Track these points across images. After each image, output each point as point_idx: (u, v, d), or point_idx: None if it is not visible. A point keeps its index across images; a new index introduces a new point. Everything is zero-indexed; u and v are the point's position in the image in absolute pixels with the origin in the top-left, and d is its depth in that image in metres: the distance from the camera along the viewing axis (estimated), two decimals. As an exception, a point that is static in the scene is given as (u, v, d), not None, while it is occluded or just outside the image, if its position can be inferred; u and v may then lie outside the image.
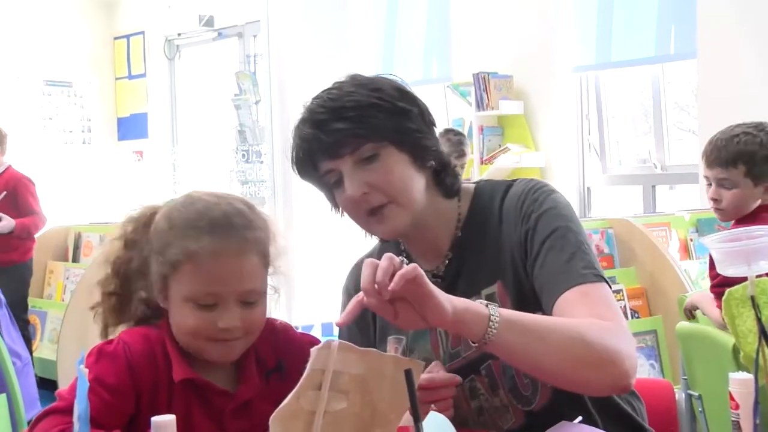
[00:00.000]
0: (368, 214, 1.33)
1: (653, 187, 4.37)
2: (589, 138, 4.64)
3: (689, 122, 4.74)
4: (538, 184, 1.38)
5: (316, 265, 5.36)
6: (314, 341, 1.29)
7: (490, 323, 1.13)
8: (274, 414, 1.02)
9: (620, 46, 4.39)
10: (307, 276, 5.42)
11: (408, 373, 0.99)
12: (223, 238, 1.19)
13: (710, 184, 2.51)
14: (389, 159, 1.32)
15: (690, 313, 2.59)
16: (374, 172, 1.31)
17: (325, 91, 1.37)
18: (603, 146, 4.62)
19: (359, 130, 1.30)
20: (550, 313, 1.26)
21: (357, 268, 1.48)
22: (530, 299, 1.32)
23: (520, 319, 1.17)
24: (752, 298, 1.09)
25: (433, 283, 1.18)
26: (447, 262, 1.40)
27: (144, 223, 1.26)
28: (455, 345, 1.37)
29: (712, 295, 2.34)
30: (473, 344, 1.16)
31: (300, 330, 1.37)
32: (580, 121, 4.62)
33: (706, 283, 3.10)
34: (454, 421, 1.26)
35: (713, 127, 3.80)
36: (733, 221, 2.53)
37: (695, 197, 4.01)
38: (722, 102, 3.77)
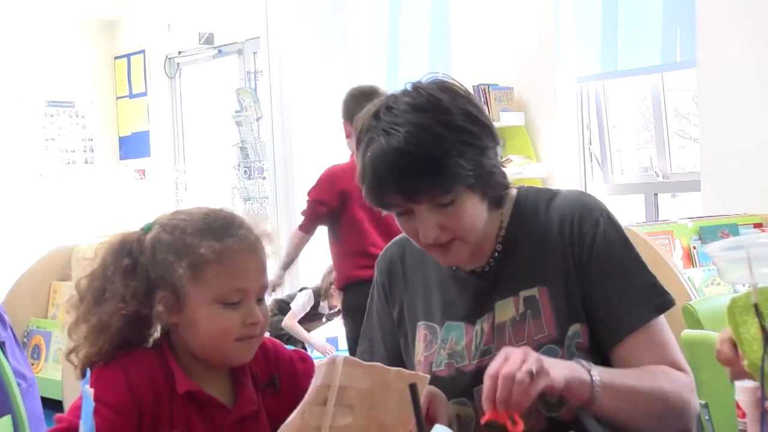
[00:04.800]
0: (431, 245, 1.35)
1: (655, 195, 4.36)
2: (591, 147, 4.64)
3: (690, 130, 4.74)
4: (592, 201, 1.42)
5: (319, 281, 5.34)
6: (304, 356, 1.31)
7: (594, 389, 1.24)
8: (279, 430, 1.02)
9: (625, 56, 4.39)
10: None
11: (412, 387, 0.99)
12: (242, 236, 1.24)
13: None
14: (464, 203, 1.32)
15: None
16: (447, 215, 1.32)
17: (398, 118, 1.30)
18: (604, 155, 4.62)
19: (447, 183, 1.29)
20: (611, 341, 1.36)
21: (386, 259, 1.54)
22: (574, 311, 1.36)
23: (613, 383, 1.27)
24: (756, 306, 1.09)
25: (477, 283, 1.38)
26: (492, 263, 1.42)
27: (131, 248, 1.25)
28: (488, 341, 1.39)
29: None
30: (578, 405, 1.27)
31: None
32: (581, 130, 4.62)
33: (711, 290, 3.10)
34: (476, 417, 1.35)
35: (714, 134, 3.81)
36: None
37: (698, 205, 4.00)
38: (723, 109, 3.77)
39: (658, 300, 1.39)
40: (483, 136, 1.33)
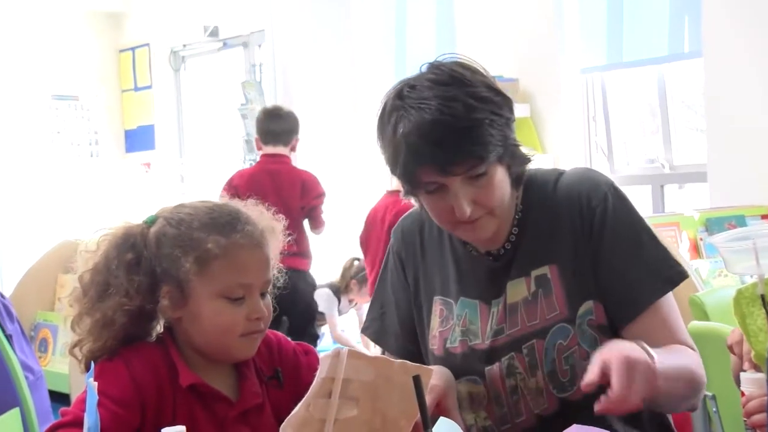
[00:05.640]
0: (459, 222, 1.35)
1: (662, 186, 4.35)
2: (596, 139, 4.62)
3: (697, 121, 4.72)
4: (598, 176, 1.43)
5: (325, 274, 5.35)
6: (308, 349, 1.31)
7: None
8: (284, 423, 1.02)
9: (631, 47, 4.36)
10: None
11: (417, 380, 0.99)
12: (248, 231, 1.24)
13: None
14: (495, 174, 1.33)
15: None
16: (481, 188, 1.32)
17: (425, 93, 1.31)
18: (610, 147, 4.60)
19: (482, 152, 1.29)
20: (624, 318, 1.36)
21: (404, 230, 1.53)
22: (585, 289, 1.36)
23: (664, 371, 1.24)
24: (762, 297, 1.09)
25: (491, 264, 1.40)
26: (507, 246, 1.42)
27: (135, 242, 1.25)
28: (501, 322, 1.39)
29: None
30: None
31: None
32: (587, 122, 4.61)
33: (718, 282, 3.09)
34: (488, 395, 1.36)
35: (721, 125, 3.80)
36: None
37: (704, 196, 3.99)
38: (730, 100, 3.75)
39: (671, 272, 1.39)
40: (505, 107, 1.35)
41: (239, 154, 6.19)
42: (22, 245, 5.91)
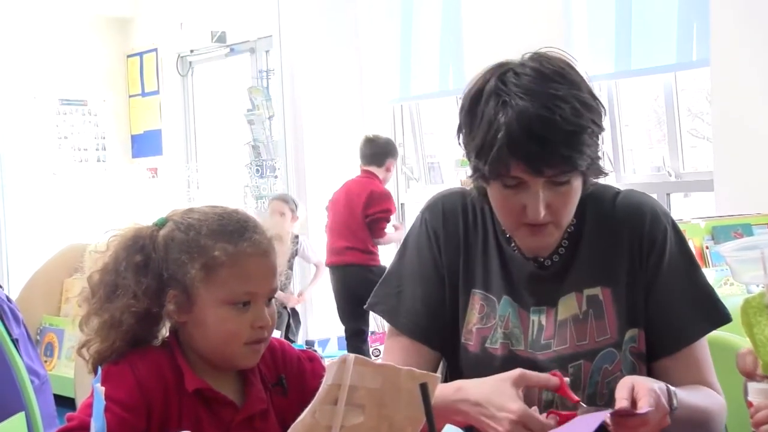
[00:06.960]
0: (523, 224, 1.31)
1: (668, 195, 4.35)
2: (603, 147, 4.62)
3: (703, 129, 4.72)
4: (659, 206, 1.41)
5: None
6: (312, 356, 1.31)
7: (670, 415, 1.21)
8: (290, 429, 1.02)
9: (639, 54, 4.36)
10: (323, 290, 5.42)
11: (423, 387, 0.98)
12: (256, 240, 1.24)
13: None
14: (574, 185, 1.30)
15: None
16: (559, 195, 1.28)
17: (533, 86, 1.25)
18: (617, 155, 4.60)
19: (577, 159, 1.26)
20: (664, 351, 1.36)
21: (444, 207, 1.44)
22: (634, 316, 1.35)
23: (681, 417, 1.23)
24: (769, 307, 1.08)
25: (535, 271, 1.35)
26: (556, 258, 1.38)
27: (144, 244, 1.25)
28: (548, 337, 1.36)
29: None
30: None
31: (316, 344, 1.39)
32: (594, 130, 4.60)
33: (724, 291, 3.08)
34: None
35: (728, 133, 3.79)
36: None
37: (710, 204, 3.99)
38: (736, 108, 3.75)
39: (717, 313, 1.39)
40: (602, 118, 1.31)
41: (246, 160, 6.20)
42: (28, 249, 5.93)
